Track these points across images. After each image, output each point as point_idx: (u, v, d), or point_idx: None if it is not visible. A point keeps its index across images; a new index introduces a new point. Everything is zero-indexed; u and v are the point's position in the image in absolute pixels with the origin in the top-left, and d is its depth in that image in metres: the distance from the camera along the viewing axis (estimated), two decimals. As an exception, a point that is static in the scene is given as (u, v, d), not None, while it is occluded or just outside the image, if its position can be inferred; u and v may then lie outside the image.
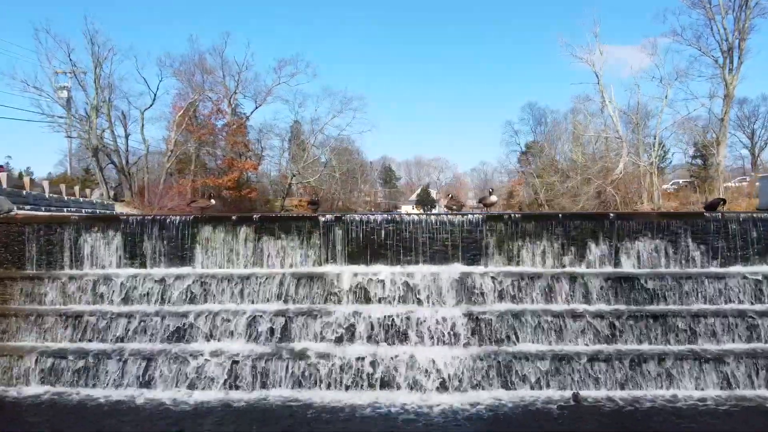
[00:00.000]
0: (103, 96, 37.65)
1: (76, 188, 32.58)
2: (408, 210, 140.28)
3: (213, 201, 9.34)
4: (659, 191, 31.92)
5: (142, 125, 39.74)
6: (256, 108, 53.69)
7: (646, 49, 36.85)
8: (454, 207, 10.32)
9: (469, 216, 9.66)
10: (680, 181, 43.29)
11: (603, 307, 8.80)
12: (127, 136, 40.13)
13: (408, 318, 8.43)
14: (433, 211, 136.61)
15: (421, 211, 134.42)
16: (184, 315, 8.60)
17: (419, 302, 8.83)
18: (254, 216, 9.62)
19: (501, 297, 8.85)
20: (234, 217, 9.67)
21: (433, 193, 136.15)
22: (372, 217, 9.64)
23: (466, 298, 8.84)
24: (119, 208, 31.00)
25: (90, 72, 37.19)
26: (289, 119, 63.06)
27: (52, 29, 50.15)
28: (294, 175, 54.76)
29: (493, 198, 9.66)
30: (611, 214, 9.63)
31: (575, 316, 8.49)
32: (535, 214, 9.54)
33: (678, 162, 49.39)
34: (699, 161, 41.28)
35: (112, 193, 39.16)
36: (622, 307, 8.81)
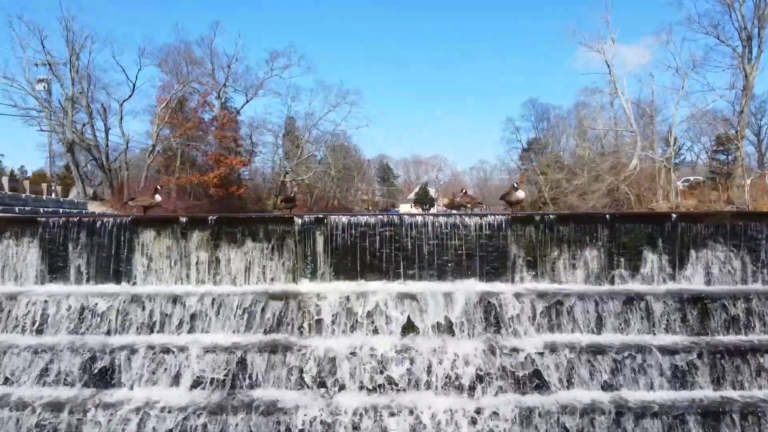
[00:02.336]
0: (81, 87, 35.41)
1: (59, 188, 30.46)
2: (407, 209, 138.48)
3: (159, 198, 7.12)
4: (676, 188, 29.80)
5: (121, 118, 37.49)
6: (247, 102, 51.53)
7: (658, 40, 34.70)
8: (469, 205, 8.09)
9: (489, 217, 7.47)
10: (691, 178, 41.18)
11: (667, 339, 6.64)
12: (107, 130, 37.92)
13: (411, 357, 6.25)
14: (432, 210, 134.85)
15: (420, 210, 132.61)
16: (109, 351, 6.39)
17: (425, 333, 6.64)
18: (210, 217, 7.41)
19: (536, 325, 6.67)
20: (184, 219, 7.45)
21: (432, 192, 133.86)
22: (363, 219, 7.45)
23: (488, 328, 6.66)
24: (93, 208, 28.74)
25: (67, 62, 34.81)
26: (283, 114, 60.70)
27: (29, 16, 47.76)
28: (287, 173, 52.53)
29: (520, 194, 7.47)
30: (673, 215, 7.46)
31: (633, 350, 6.33)
32: (575, 215, 7.34)
33: (690, 158, 47.32)
34: (722, 156, 39.15)
35: (91, 191, 36.93)
36: (693, 338, 6.66)
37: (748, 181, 27.23)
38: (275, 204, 55.58)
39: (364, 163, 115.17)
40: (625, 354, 6.32)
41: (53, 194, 26.65)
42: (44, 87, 33.39)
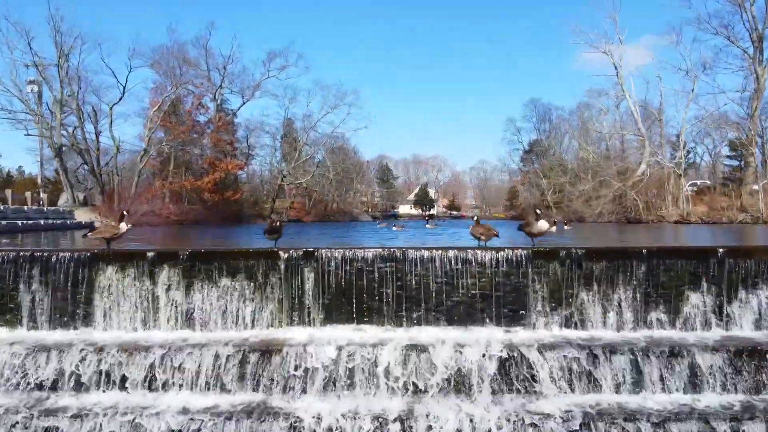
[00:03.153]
0: (71, 90, 34.31)
1: (45, 195, 29.40)
2: (406, 210, 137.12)
3: (125, 227, 6.10)
4: (685, 194, 28.72)
5: (111, 121, 36.37)
6: (243, 104, 50.51)
7: (663, 40, 33.63)
8: (482, 237, 7.03)
9: (507, 251, 6.44)
10: (698, 182, 40.12)
11: (716, 400, 5.63)
12: (97, 134, 36.79)
13: (416, 425, 5.22)
14: (431, 211, 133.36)
15: (420, 211, 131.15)
16: (53, 412, 5.36)
17: (433, 393, 5.61)
18: (181, 252, 6.38)
19: (562, 383, 5.64)
20: (151, 254, 6.42)
21: (432, 193, 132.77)
22: (360, 254, 6.42)
23: (508, 387, 5.63)
24: (81, 216, 27.64)
25: (59, 63, 33.68)
26: (280, 116, 59.66)
27: (17, 16, 46.53)
28: (285, 176, 51.51)
29: (543, 224, 6.41)
30: (720, 250, 6.45)
31: (678, 415, 5.31)
32: (606, 250, 6.34)
33: (695, 159, 46.17)
34: (735, 161, 38.09)
35: (82, 196, 35.85)
36: (748, 398, 5.65)
37: (759, 186, 26.21)
38: (272, 208, 54.58)
39: (363, 164, 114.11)
40: (672, 418, 5.30)
41: (39, 203, 25.56)
42: (31, 90, 32.22)
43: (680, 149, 32.31)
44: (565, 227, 16.44)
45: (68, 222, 24.00)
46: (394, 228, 20.29)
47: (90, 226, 27.65)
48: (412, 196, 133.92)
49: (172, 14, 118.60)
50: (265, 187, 61.82)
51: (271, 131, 58.76)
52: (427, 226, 21.47)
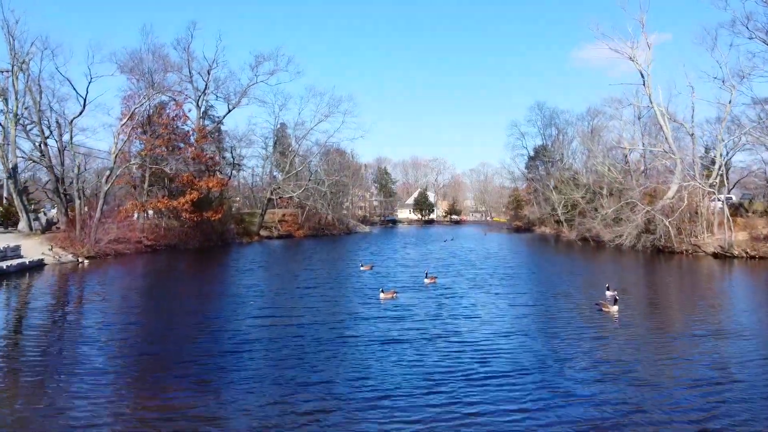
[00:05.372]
0: (34, 100, 30.37)
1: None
2: (405, 215, 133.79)
3: None
4: (729, 221, 24.83)
5: (71, 137, 32.25)
6: (230, 111, 46.47)
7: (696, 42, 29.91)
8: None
9: None
10: (732, 197, 35.73)
11: None
12: (61, 150, 32.79)
13: None
14: (431, 216, 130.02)
15: (420, 216, 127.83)
16: None
17: None
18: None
19: None
20: None
21: (431, 197, 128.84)
22: None
23: None
24: (29, 249, 23.72)
25: (12, 72, 29.73)
26: (270, 125, 55.73)
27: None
28: (275, 189, 47.67)
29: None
30: None
31: None
32: None
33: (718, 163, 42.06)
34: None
35: (45, 220, 32.01)
36: None
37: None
38: (260, 223, 50.58)
39: (360, 168, 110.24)
40: None
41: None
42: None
43: (715, 168, 28.54)
44: (615, 302, 13.08)
45: (7, 255, 20.28)
46: (381, 296, 15.82)
47: (39, 264, 24.00)
48: (411, 200, 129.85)
49: (159, 21, 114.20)
50: (258, 194, 58.09)
51: (260, 140, 54.96)
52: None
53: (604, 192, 38.91)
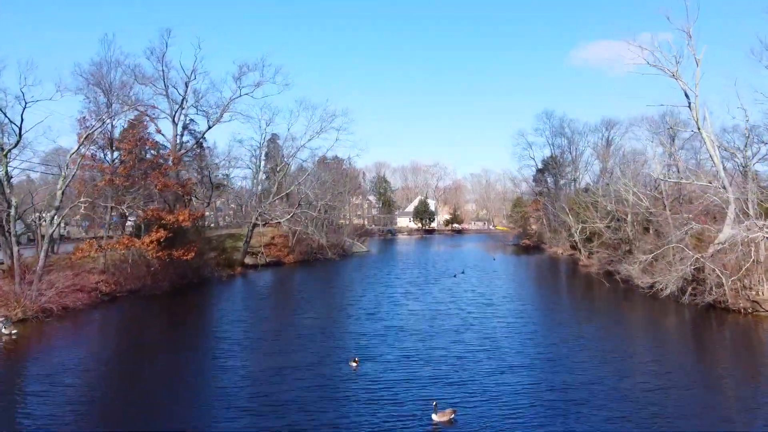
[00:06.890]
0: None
1: None
2: (405, 223, 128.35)
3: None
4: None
5: (6, 171, 27.63)
6: (209, 128, 41.81)
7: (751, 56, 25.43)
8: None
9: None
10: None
11: None
12: (7, 181, 28.14)
13: None
14: (432, 224, 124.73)
15: (420, 224, 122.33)
16: None
17: None
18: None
19: None
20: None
21: (432, 204, 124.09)
22: None
23: None
24: None
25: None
26: (256, 141, 51.25)
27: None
28: (260, 214, 43.15)
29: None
30: None
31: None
32: None
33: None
34: None
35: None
36: None
37: None
38: (245, 251, 46.04)
39: (359, 174, 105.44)
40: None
41: None
42: None
43: (776, 206, 24.06)
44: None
45: None
46: (434, 417, 11.78)
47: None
48: (411, 208, 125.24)
49: (133, 32, 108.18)
50: (246, 213, 53.58)
51: (246, 156, 50.41)
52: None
53: (629, 219, 34.59)
